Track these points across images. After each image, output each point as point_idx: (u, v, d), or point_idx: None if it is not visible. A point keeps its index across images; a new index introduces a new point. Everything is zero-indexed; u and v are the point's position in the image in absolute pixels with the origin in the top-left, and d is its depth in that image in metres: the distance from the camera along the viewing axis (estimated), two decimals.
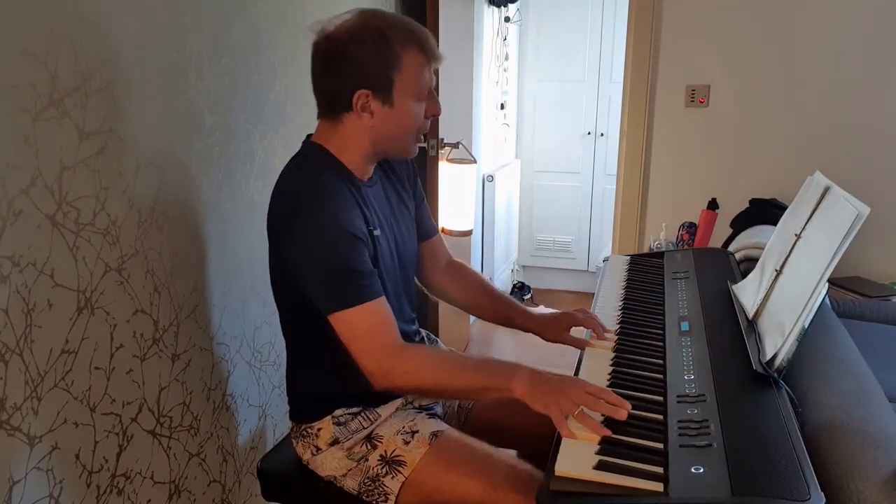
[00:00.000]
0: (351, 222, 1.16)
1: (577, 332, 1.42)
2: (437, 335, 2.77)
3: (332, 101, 1.23)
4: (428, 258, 1.51)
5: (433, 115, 1.27)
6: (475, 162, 3.05)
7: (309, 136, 1.30)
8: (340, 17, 1.21)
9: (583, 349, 1.31)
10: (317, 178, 1.20)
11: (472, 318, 3.63)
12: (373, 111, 1.20)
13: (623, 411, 1.01)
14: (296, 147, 1.87)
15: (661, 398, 1.08)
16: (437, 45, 1.25)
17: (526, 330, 1.46)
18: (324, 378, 1.31)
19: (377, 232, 1.24)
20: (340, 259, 1.14)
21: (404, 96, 1.20)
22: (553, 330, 1.41)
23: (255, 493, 1.79)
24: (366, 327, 1.15)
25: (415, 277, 1.49)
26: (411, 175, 1.44)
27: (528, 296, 4.22)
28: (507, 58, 4.05)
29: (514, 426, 1.42)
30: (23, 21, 1.04)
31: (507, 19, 3.98)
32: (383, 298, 1.18)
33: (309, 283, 1.17)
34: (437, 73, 1.28)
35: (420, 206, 1.47)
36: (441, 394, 1.31)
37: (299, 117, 1.90)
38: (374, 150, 1.26)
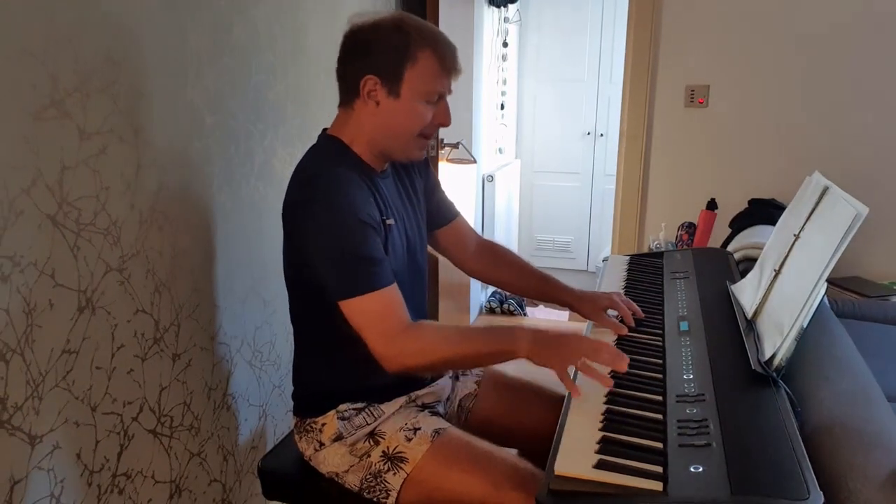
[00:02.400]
0: (364, 210, 1.18)
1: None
2: None
3: (345, 86, 1.27)
4: (456, 241, 1.53)
5: (440, 123, 1.29)
6: (475, 162, 3.05)
7: (325, 129, 1.33)
8: (377, 14, 1.25)
9: (618, 331, 1.34)
10: (332, 167, 1.22)
11: (472, 317, 3.64)
12: (378, 100, 1.23)
13: (622, 363, 1.08)
14: (296, 147, 1.88)
15: (660, 398, 1.08)
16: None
17: (564, 304, 1.48)
18: (330, 370, 1.32)
19: (390, 221, 1.26)
20: (353, 246, 1.16)
21: (412, 92, 1.22)
22: (590, 307, 1.42)
23: (256, 493, 1.79)
24: (376, 313, 1.17)
25: (450, 261, 1.54)
26: (424, 164, 1.45)
27: None
28: (506, 58, 4.05)
29: (515, 425, 1.42)
30: (23, 21, 1.05)
31: (506, 20, 3.99)
32: (394, 286, 1.20)
33: (321, 269, 1.19)
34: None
35: (436, 191, 1.49)
36: (452, 365, 1.34)
37: (299, 117, 1.90)
38: (379, 144, 1.27)
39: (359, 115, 1.26)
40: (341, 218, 1.16)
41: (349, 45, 1.25)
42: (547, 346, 1.13)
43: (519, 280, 1.54)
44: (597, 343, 1.13)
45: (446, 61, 1.24)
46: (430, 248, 1.51)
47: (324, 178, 1.20)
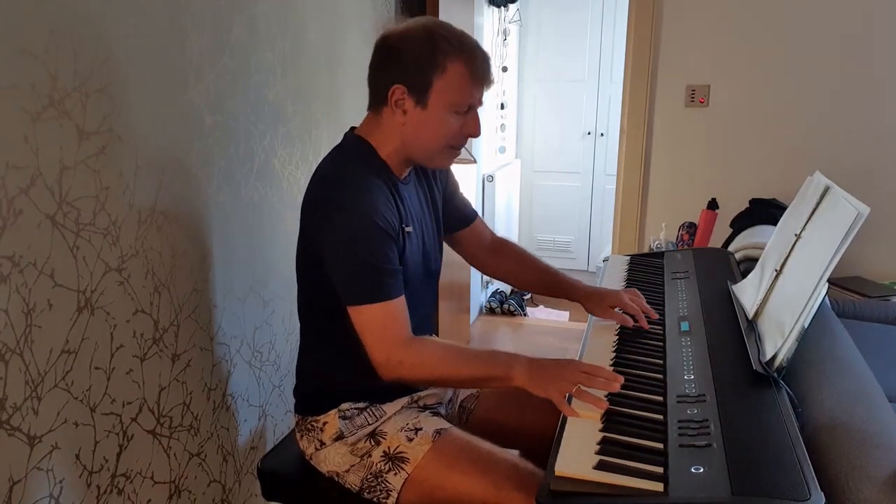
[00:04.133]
0: (384, 217, 1.18)
1: None
2: (437, 335, 2.77)
3: (374, 94, 1.26)
4: (474, 241, 1.54)
5: (469, 134, 1.26)
6: (475, 162, 3.05)
7: (353, 128, 1.33)
8: (410, 21, 1.24)
9: (625, 326, 1.35)
10: (356, 169, 1.22)
11: (472, 317, 3.64)
12: (406, 109, 1.22)
13: (616, 384, 1.08)
14: (295, 147, 1.88)
15: (661, 398, 1.08)
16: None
17: (572, 299, 1.49)
18: (334, 367, 1.33)
19: (409, 228, 1.27)
20: (369, 253, 1.16)
21: (439, 103, 1.20)
22: (598, 304, 1.43)
23: (256, 493, 1.79)
24: (380, 322, 1.18)
25: (466, 260, 1.57)
26: (443, 170, 1.46)
27: (528, 295, 4.22)
28: (506, 58, 4.05)
29: (516, 426, 1.42)
30: (22, 21, 1.04)
31: (506, 20, 3.98)
32: (402, 298, 1.20)
33: (335, 271, 1.20)
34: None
35: (456, 194, 1.50)
36: (446, 384, 1.35)
37: (299, 117, 1.90)
38: (405, 151, 1.27)
39: (386, 122, 1.25)
40: (359, 222, 1.16)
41: (379, 52, 1.24)
42: (543, 376, 1.12)
43: (529, 276, 1.55)
44: (591, 368, 1.12)
45: (477, 72, 1.21)
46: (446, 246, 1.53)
47: (346, 179, 1.20)
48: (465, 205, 1.52)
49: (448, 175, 1.48)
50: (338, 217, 1.17)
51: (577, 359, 1.22)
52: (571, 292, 1.48)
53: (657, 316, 1.39)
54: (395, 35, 1.22)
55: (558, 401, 1.08)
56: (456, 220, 1.49)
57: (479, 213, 1.59)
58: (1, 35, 1.01)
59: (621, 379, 1.09)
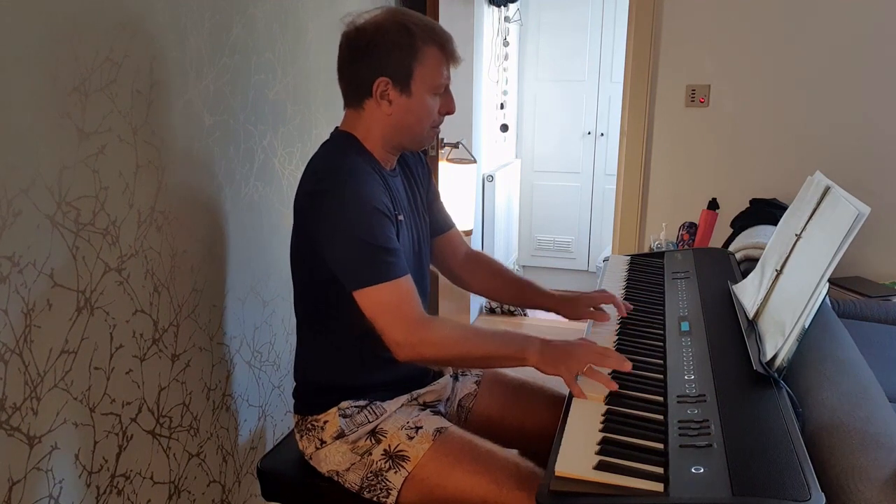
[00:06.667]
0: (380, 201, 1.21)
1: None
2: None
3: (355, 89, 1.29)
4: (448, 250, 1.55)
5: (447, 112, 1.32)
6: (475, 162, 3.05)
7: (337, 127, 1.35)
8: (370, 12, 1.28)
9: (601, 321, 1.39)
10: (348, 160, 1.24)
11: (472, 317, 3.64)
12: (391, 99, 1.25)
13: (628, 364, 1.13)
14: (295, 147, 1.88)
15: (661, 398, 1.08)
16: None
17: (546, 309, 1.51)
18: (333, 365, 1.33)
19: (401, 217, 1.28)
20: (370, 235, 1.17)
21: (422, 88, 1.25)
22: (571, 309, 1.46)
23: (255, 494, 1.79)
24: (393, 302, 1.18)
25: (438, 270, 1.57)
26: (426, 173, 1.48)
27: None
28: (507, 58, 4.05)
29: (515, 425, 1.43)
30: (23, 21, 1.04)
31: (506, 19, 3.98)
32: (409, 276, 1.21)
33: (337, 258, 1.20)
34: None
35: (435, 201, 1.52)
36: (463, 362, 1.36)
37: (299, 117, 1.90)
38: (393, 139, 1.30)
39: (371, 115, 1.28)
40: (358, 207, 1.18)
41: (355, 47, 1.26)
42: (556, 356, 1.15)
43: (502, 287, 1.56)
44: (603, 349, 1.16)
45: (448, 53, 1.27)
46: None
47: (339, 169, 1.22)
48: (444, 213, 1.54)
49: (430, 181, 1.50)
50: (335, 205, 1.18)
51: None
52: (545, 301, 1.51)
53: (632, 307, 1.42)
54: (369, 29, 1.25)
55: (568, 380, 1.11)
56: (433, 226, 1.50)
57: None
58: (1, 35, 1.01)
59: (630, 363, 1.13)
